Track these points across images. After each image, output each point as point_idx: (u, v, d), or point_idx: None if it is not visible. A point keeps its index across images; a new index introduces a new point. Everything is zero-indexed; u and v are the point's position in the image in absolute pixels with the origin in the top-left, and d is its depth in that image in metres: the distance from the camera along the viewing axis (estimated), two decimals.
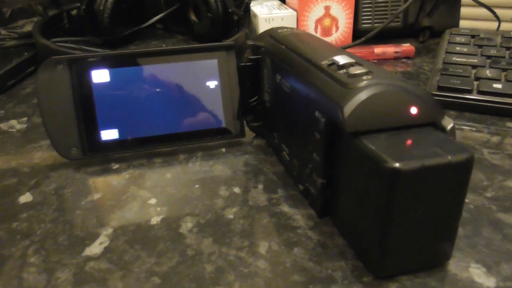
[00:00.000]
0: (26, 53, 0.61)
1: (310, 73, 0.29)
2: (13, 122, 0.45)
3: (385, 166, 0.22)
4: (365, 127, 0.24)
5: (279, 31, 0.38)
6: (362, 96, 0.24)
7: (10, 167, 0.37)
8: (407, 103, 0.25)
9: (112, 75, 0.36)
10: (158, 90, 0.37)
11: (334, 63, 0.28)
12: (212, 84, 0.38)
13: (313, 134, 0.29)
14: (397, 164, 0.22)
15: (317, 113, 0.28)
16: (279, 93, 0.35)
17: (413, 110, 0.25)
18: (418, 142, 0.24)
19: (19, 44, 0.65)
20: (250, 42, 0.39)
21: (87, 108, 0.36)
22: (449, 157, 0.22)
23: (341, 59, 0.28)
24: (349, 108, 0.24)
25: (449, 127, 0.25)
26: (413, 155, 0.22)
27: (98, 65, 0.36)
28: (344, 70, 0.27)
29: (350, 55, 0.29)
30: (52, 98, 0.35)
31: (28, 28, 0.72)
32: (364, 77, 0.25)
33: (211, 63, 0.38)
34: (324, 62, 0.29)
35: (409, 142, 0.24)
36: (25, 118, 0.46)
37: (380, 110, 0.24)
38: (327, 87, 0.27)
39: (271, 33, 0.38)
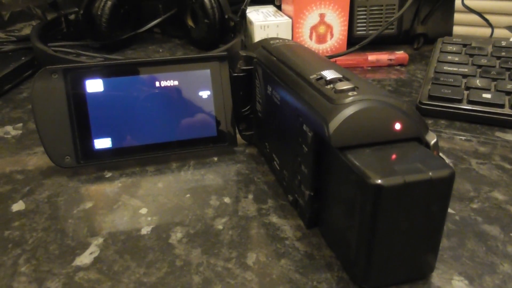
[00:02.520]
0: (23, 58, 0.61)
1: (299, 87, 0.30)
2: (8, 128, 0.46)
3: (368, 182, 0.22)
4: (350, 142, 0.25)
5: (271, 42, 0.39)
6: (348, 112, 0.25)
7: (4, 174, 0.38)
8: (391, 119, 0.25)
9: (105, 85, 0.37)
10: (151, 99, 0.38)
11: (322, 77, 0.29)
12: (204, 94, 0.39)
13: (301, 146, 0.29)
14: (379, 181, 0.22)
15: (305, 127, 0.28)
16: (270, 104, 0.35)
17: (397, 126, 0.25)
18: (401, 157, 0.24)
19: (17, 48, 0.66)
20: (242, 53, 0.39)
21: (81, 117, 0.37)
22: (430, 173, 0.23)
23: (329, 74, 0.28)
24: (334, 123, 0.25)
25: (432, 142, 0.26)
26: (396, 171, 0.23)
27: (92, 74, 0.37)
28: (331, 85, 0.27)
29: (338, 69, 0.30)
30: (46, 106, 0.36)
31: (27, 31, 0.73)
32: (350, 93, 0.26)
33: (204, 73, 0.39)
34: (313, 77, 0.29)
35: (392, 157, 0.24)
36: (21, 124, 0.47)
37: (365, 126, 0.25)
38: (315, 102, 0.27)
39: (264, 44, 0.39)
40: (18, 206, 0.34)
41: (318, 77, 0.29)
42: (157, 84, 0.38)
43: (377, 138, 0.25)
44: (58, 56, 0.57)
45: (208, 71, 0.39)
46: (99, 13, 0.67)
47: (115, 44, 0.71)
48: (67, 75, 0.36)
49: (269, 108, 0.36)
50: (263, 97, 0.37)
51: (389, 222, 0.24)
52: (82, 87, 0.36)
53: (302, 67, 0.31)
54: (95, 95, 0.37)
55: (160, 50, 0.72)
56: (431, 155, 0.25)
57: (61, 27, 0.72)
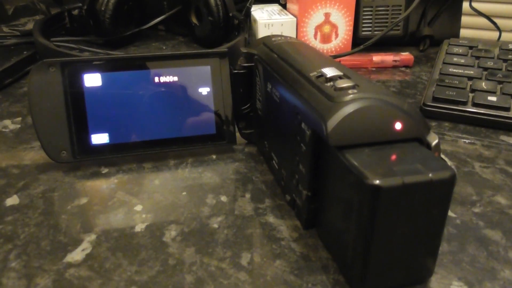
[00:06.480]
0: (25, 52, 0.61)
1: (298, 84, 0.29)
2: (7, 121, 0.46)
3: (366, 182, 0.22)
4: (349, 141, 0.24)
5: (273, 39, 0.38)
6: (347, 110, 0.24)
7: (0, 168, 0.37)
8: (392, 118, 0.25)
9: (104, 79, 0.36)
10: (149, 95, 0.37)
11: (322, 75, 0.28)
12: (204, 90, 0.38)
13: (299, 145, 0.28)
14: (377, 181, 0.22)
15: (303, 125, 0.28)
16: (269, 102, 0.35)
17: (398, 126, 0.25)
18: (401, 158, 0.24)
19: (20, 43, 0.65)
20: (243, 50, 0.38)
21: (78, 111, 0.36)
22: (430, 175, 0.22)
23: (329, 72, 0.28)
24: (333, 122, 0.24)
25: (433, 143, 0.25)
26: (395, 171, 0.22)
27: (91, 69, 0.36)
28: (331, 83, 0.27)
29: (339, 67, 0.29)
30: (43, 100, 0.35)
31: (31, 26, 0.72)
32: (350, 91, 0.25)
33: (204, 69, 0.38)
34: (313, 74, 0.29)
35: (392, 158, 0.24)
36: (19, 118, 0.46)
37: (365, 125, 0.24)
38: (314, 100, 0.27)
39: (265, 41, 0.38)
40: (12, 200, 0.33)
41: (318, 74, 0.28)
42: (157, 79, 0.37)
43: (377, 137, 0.25)
44: (60, 51, 0.56)
45: (208, 67, 0.38)
46: (102, 8, 0.67)
47: (118, 41, 0.71)
48: (64, 68, 0.36)
49: (269, 106, 0.35)
50: (263, 94, 0.36)
51: (387, 224, 0.23)
52: (80, 81, 0.36)
53: (303, 64, 0.31)
54: (93, 89, 0.36)
55: (164, 47, 0.71)
56: (432, 156, 0.24)
57: (64, 22, 0.71)
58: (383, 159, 0.24)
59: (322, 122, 0.25)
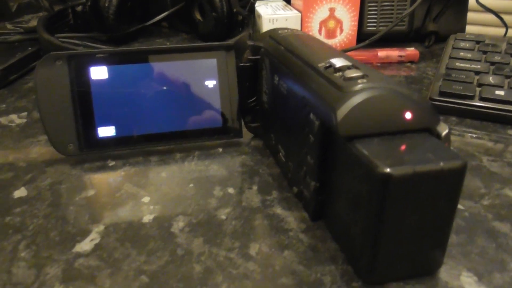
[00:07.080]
0: (30, 48, 0.61)
1: (307, 75, 0.29)
2: (13, 116, 0.46)
3: (377, 171, 0.22)
4: (358, 131, 0.24)
5: (279, 32, 0.38)
6: (356, 99, 0.24)
7: (7, 162, 0.37)
8: (402, 108, 0.24)
9: (110, 72, 0.36)
10: (156, 88, 0.37)
11: (331, 65, 0.28)
12: (210, 83, 0.38)
13: (307, 136, 0.28)
14: (388, 169, 0.22)
15: (311, 116, 0.28)
16: (276, 94, 0.35)
17: (408, 115, 0.24)
18: (412, 147, 0.24)
19: (24, 39, 0.65)
20: (250, 43, 0.38)
21: (85, 104, 0.36)
22: (442, 164, 0.22)
23: (338, 62, 0.28)
24: (342, 111, 0.24)
25: (444, 133, 0.25)
26: (405, 160, 0.22)
27: (97, 61, 0.36)
28: (340, 73, 0.27)
29: (347, 58, 0.29)
30: (50, 93, 0.35)
31: (34, 23, 0.72)
32: (359, 81, 0.25)
33: (210, 62, 0.38)
34: (321, 65, 0.29)
35: (402, 147, 0.24)
36: (25, 113, 0.46)
37: (374, 114, 0.24)
38: (322, 90, 0.27)
39: (271, 34, 0.38)
40: (20, 192, 0.33)
41: (327, 65, 0.28)
42: (163, 72, 0.37)
43: (387, 127, 0.24)
44: (65, 47, 0.56)
45: (214, 60, 0.38)
46: (106, 5, 0.67)
47: (122, 37, 0.71)
48: (71, 61, 0.36)
49: (276, 98, 0.35)
50: (270, 87, 0.36)
51: (396, 214, 0.23)
52: (87, 74, 0.36)
53: (311, 55, 0.31)
54: (99, 82, 0.36)
55: (168, 44, 0.71)
56: (442, 146, 0.24)
57: (68, 19, 0.71)
58: (393, 149, 0.23)
59: (331, 112, 0.24)
